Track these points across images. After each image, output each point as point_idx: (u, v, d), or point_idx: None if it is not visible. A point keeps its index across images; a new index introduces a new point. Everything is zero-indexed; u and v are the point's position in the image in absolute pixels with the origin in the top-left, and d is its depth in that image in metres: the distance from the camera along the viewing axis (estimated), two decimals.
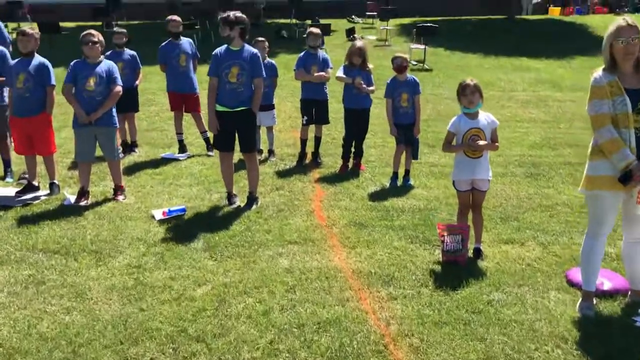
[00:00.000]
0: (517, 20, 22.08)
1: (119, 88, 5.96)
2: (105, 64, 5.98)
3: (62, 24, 21.16)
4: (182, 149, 8.01)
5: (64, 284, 4.26)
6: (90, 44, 5.87)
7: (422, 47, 15.81)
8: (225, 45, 5.80)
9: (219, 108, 5.77)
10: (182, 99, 7.91)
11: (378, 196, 6.29)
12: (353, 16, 22.97)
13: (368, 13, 22.54)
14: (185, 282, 4.29)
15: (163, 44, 8.07)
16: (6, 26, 19.81)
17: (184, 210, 5.74)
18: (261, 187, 6.36)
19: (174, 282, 4.30)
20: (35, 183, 6.35)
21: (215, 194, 6.33)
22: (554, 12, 25.65)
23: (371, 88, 7.07)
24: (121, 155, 6.12)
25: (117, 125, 6.11)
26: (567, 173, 7.24)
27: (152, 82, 13.04)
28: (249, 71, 5.70)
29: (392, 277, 4.38)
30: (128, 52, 8.08)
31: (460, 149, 4.70)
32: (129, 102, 8.00)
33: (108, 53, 8.00)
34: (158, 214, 5.64)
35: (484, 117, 4.76)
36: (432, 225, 5.37)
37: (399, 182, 6.72)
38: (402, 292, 4.15)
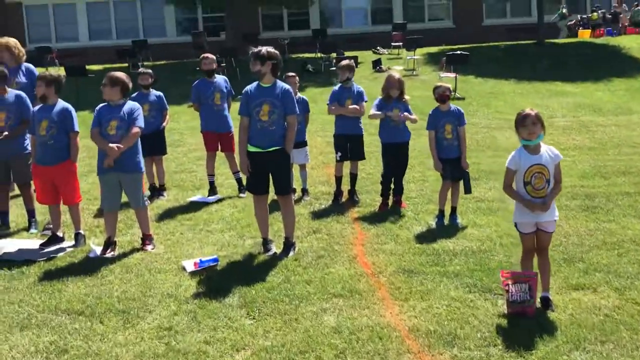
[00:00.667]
0: (547, 44, 21.57)
1: (136, 129, 5.63)
2: (128, 106, 5.67)
3: (88, 67, 21.37)
4: (213, 191, 7.64)
5: (89, 352, 3.84)
6: (105, 86, 5.60)
7: (452, 75, 15.40)
8: (256, 82, 5.46)
9: (251, 149, 5.39)
10: (217, 138, 7.61)
11: (425, 237, 5.80)
12: (378, 47, 22.73)
13: (393, 44, 22.28)
14: (221, 347, 3.84)
15: (196, 82, 7.80)
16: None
17: (216, 260, 5.32)
18: (297, 230, 5.92)
19: (209, 346, 3.85)
20: (60, 234, 6.01)
21: (248, 240, 5.91)
22: (584, 34, 25.06)
23: (413, 117, 6.68)
24: (147, 202, 5.76)
25: (143, 170, 5.77)
26: (627, 204, 6.67)
27: (180, 122, 12.87)
28: (281, 109, 5.33)
29: (455, 335, 3.86)
30: (154, 93, 7.82)
31: (527, 205, 4.19)
32: (156, 145, 7.70)
33: (134, 95, 7.76)
34: (189, 266, 5.23)
35: (546, 150, 4.28)
36: (489, 270, 4.86)
37: (446, 221, 6.23)
38: (468, 354, 3.63)
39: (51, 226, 6.08)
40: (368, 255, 5.39)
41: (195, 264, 5.25)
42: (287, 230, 5.56)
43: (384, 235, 5.90)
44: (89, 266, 5.34)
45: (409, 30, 22.85)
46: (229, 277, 5.00)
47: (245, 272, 5.12)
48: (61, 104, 5.79)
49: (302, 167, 7.48)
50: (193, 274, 5.09)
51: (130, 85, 5.78)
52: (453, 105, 6.42)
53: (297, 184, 7.56)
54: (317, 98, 14.69)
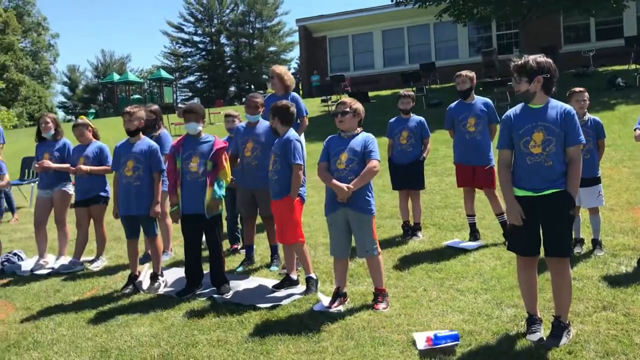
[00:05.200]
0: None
1: (374, 162, 4.66)
2: (362, 136, 4.77)
3: (378, 93, 21.77)
4: (474, 235, 6.30)
5: None
6: (344, 114, 4.76)
7: None
8: (522, 104, 4.03)
9: (518, 192, 3.96)
10: (472, 172, 6.27)
11: None
12: None
13: None
14: None
15: (452, 104, 6.62)
16: (329, 99, 21.16)
17: (456, 338, 4.01)
18: (578, 304, 4.25)
19: None
20: (294, 276, 5.43)
21: (508, 310, 4.45)
22: None
23: None
24: (377, 250, 4.75)
25: (374, 212, 4.78)
26: None
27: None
28: (559, 137, 3.82)
29: None
30: (415, 118, 6.87)
31: None
32: (413, 177, 6.73)
33: (392, 120, 6.95)
34: (421, 341, 4.03)
35: None
36: None
37: None
38: None
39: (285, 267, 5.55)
40: None
41: (428, 339, 4.02)
42: (560, 307, 3.94)
43: None
44: (309, 322, 4.55)
45: None
46: None
47: None
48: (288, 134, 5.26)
49: (594, 211, 5.64)
50: (423, 354, 3.89)
51: (363, 114, 4.89)
52: None
53: (583, 233, 5.76)
54: (627, 117, 12.01)
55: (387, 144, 6.96)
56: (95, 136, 6.77)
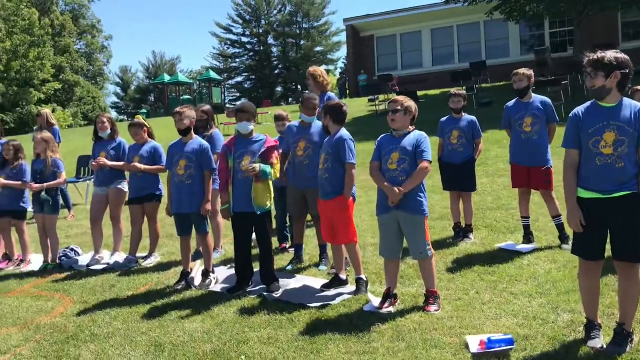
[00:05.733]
0: None
1: (425, 164, 4.59)
2: (414, 135, 4.70)
3: (427, 92, 21.53)
4: (527, 237, 6.14)
5: None
6: (396, 112, 4.71)
7: None
8: (592, 101, 3.87)
9: (584, 194, 3.81)
10: (527, 173, 6.10)
11: None
12: None
13: None
14: None
15: (509, 103, 6.45)
16: (377, 98, 21.06)
17: (511, 342, 3.91)
18: None
19: None
20: (343, 276, 5.41)
21: (565, 315, 4.32)
22: None
23: None
24: (430, 252, 4.68)
25: (427, 213, 4.70)
26: None
27: (507, 149, 11.45)
28: (632, 138, 3.66)
29: None
30: (466, 117, 6.75)
31: None
32: (464, 177, 6.61)
33: (444, 119, 6.85)
34: (474, 344, 3.95)
35: None
36: None
37: None
38: None
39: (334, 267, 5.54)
40: None
41: (482, 342, 3.94)
42: (625, 313, 3.79)
43: None
44: (360, 322, 4.52)
45: None
46: None
47: None
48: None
49: None
50: (477, 357, 3.81)
51: (416, 113, 4.83)
52: None
53: None
54: None
55: (438, 143, 6.86)
56: (151, 136, 6.92)
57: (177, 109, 5.86)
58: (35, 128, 10.89)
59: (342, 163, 5.10)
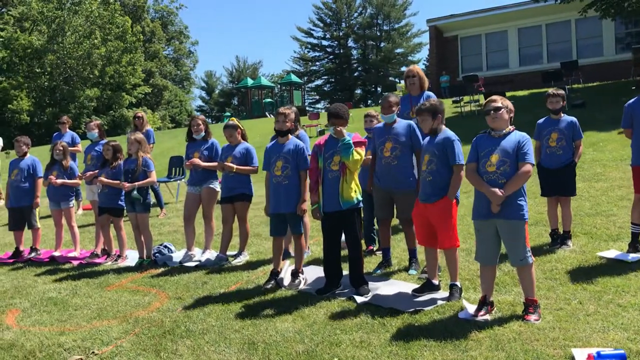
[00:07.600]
0: None
1: (527, 167, 4.37)
2: (515, 137, 4.49)
3: (514, 93, 20.80)
4: (634, 246, 5.75)
5: None
6: (497, 111, 4.51)
7: None
8: None
9: None
10: None
11: None
12: None
13: None
14: None
15: (631, 101, 6.03)
16: (461, 99, 20.61)
17: (623, 358, 3.65)
18: None
19: None
20: (435, 281, 5.27)
21: None
22: None
23: None
24: (530, 259, 4.46)
25: (527, 218, 4.48)
26: None
27: (605, 152, 10.86)
28: None
29: None
30: (566, 118, 6.43)
31: None
32: (563, 182, 6.30)
33: (541, 121, 6.56)
34: (581, 358, 3.72)
35: None
36: None
37: None
38: None
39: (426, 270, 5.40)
40: None
41: (590, 356, 3.70)
42: None
43: None
44: (455, 329, 4.37)
45: None
46: None
47: None
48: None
49: None
50: None
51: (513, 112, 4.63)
52: None
53: None
54: None
55: (534, 146, 6.56)
56: (244, 137, 7.04)
57: (282, 110, 5.92)
58: (129, 130, 11.39)
59: (450, 164, 4.96)
